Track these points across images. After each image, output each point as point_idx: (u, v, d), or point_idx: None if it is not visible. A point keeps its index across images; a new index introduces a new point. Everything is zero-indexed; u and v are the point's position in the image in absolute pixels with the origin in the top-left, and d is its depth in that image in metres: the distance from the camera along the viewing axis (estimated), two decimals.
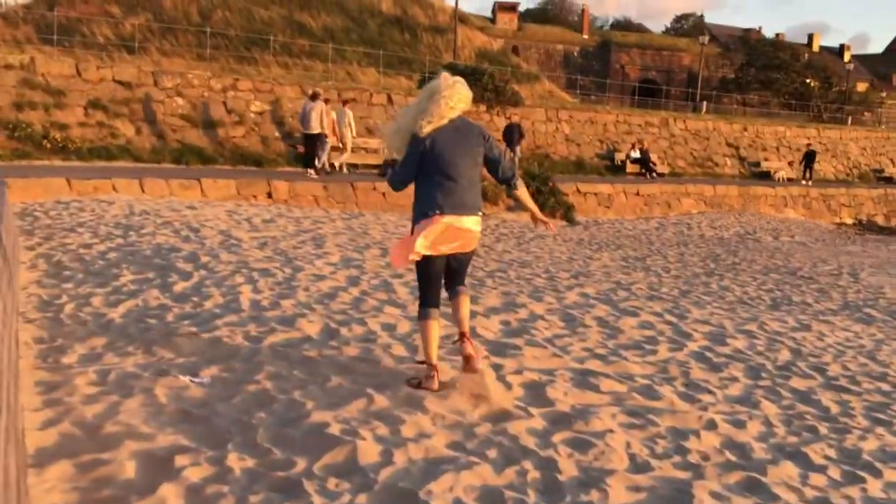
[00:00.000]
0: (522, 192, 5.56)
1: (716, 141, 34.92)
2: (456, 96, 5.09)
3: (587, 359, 6.59)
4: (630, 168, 29.81)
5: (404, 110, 5.37)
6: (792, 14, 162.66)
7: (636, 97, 48.27)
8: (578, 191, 22.71)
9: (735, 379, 6.53)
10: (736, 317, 9.22)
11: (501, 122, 28.04)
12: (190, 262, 9.07)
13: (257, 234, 12.23)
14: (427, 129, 5.04)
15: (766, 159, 36.15)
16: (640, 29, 77.42)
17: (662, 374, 6.44)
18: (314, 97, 20.50)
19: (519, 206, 20.65)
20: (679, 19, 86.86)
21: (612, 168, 29.90)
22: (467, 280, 5.79)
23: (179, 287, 7.85)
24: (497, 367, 5.97)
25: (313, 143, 20.22)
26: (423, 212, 5.10)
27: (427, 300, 5.31)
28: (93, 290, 7.64)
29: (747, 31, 72.06)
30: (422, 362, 5.45)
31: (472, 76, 27.40)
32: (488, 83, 27.24)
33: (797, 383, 6.60)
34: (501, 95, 27.52)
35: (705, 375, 6.53)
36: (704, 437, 5.08)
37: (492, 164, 5.30)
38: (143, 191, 15.30)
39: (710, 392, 6.07)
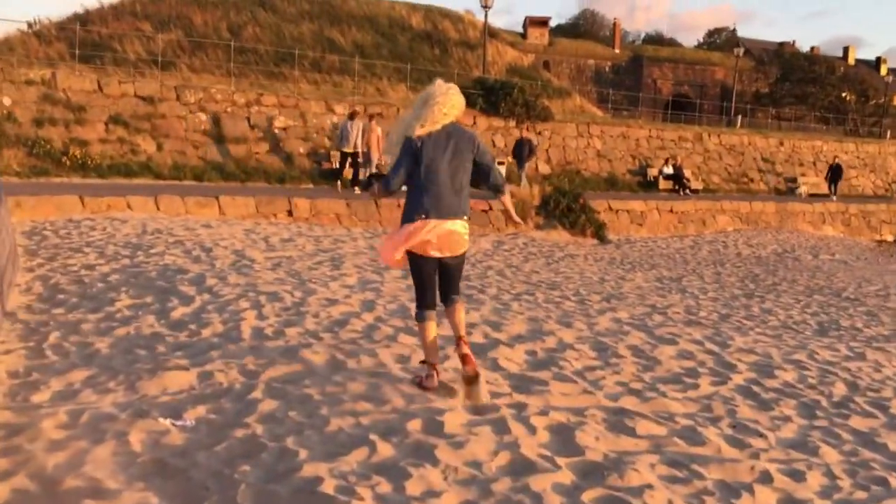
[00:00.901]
0: (507, 200, 5.66)
1: (751, 156, 34.00)
2: (449, 103, 5.23)
3: (621, 395, 5.91)
4: (663, 184, 29.01)
5: (400, 119, 5.51)
6: (825, 28, 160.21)
7: (669, 112, 47.24)
8: (610, 208, 21.95)
9: (787, 418, 5.82)
10: (782, 344, 8.47)
11: (531, 138, 27.41)
12: (194, 286, 8.49)
13: (273, 253, 11.66)
14: (420, 131, 5.15)
15: (802, 174, 35.16)
16: (671, 43, 76.38)
17: (706, 412, 5.75)
18: (352, 116, 20.36)
19: (548, 224, 20.09)
20: (711, 34, 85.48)
21: (645, 184, 29.12)
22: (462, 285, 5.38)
23: (178, 313, 7.26)
24: (520, 407, 5.30)
25: (350, 161, 20.10)
26: (410, 216, 5.21)
27: (423, 302, 5.42)
28: (84, 315, 7.07)
29: (781, 44, 70.85)
30: (423, 362, 5.59)
31: (501, 90, 26.90)
32: (519, 98, 26.70)
33: (857, 423, 5.87)
34: (532, 110, 26.95)
35: (754, 414, 5.82)
36: (759, 492, 4.38)
37: (483, 169, 5.37)
38: (158, 209, 14.80)
39: (760, 435, 5.36)
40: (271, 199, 16.43)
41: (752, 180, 32.98)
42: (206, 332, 6.63)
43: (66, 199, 13.97)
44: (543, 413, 5.21)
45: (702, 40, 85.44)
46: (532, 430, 4.91)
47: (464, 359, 5.27)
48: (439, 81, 5.41)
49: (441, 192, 5.15)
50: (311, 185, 21.64)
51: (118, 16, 34.67)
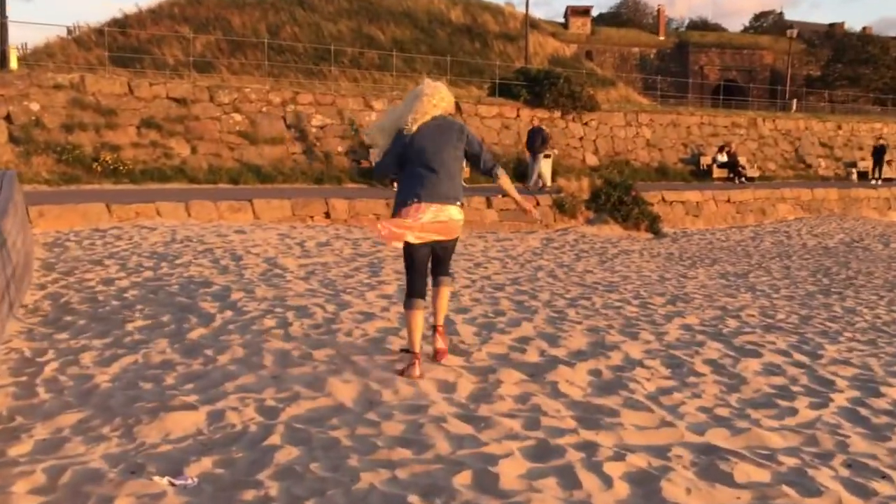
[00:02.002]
0: (505, 182, 5.79)
1: (808, 141, 32.54)
2: (438, 95, 5.48)
3: (708, 426, 4.98)
4: (717, 173, 27.76)
5: (390, 111, 5.81)
6: (873, 8, 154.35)
7: (720, 97, 45.49)
8: (664, 199, 20.81)
9: None
10: (881, 353, 7.44)
11: (578, 129, 26.40)
12: (218, 301, 7.69)
13: (307, 260, 10.85)
14: (413, 125, 5.40)
15: (862, 159, 33.57)
16: (717, 29, 74.37)
17: (812, 447, 4.79)
18: None
19: (599, 218, 19.10)
20: (758, 17, 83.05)
21: (698, 173, 27.89)
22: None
23: (195, 335, 6.46)
24: (589, 448, 4.40)
25: None
26: (403, 200, 5.42)
27: (413, 290, 5.62)
28: (89, 341, 6.29)
29: (832, 25, 68.61)
30: (405, 350, 5.84)
31: (545, 80, 25.90)
32: (563, 88, 25.68)
33: None
34: (577, 101, 25.91)
35: (869, 447, 4.85)
36: None
37: (473, 157, 5.61)
38: (189, 215, 14.06)
39: (883, 476, 4.39)
40: (307, 202, 15.63)
41: (809, 166, 31.53)
42: (223, 358, 5.81)
43: (92, 207, 13.29)
44: (619, 457, 4.29)
45: (748, 25, 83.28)
46: (607, 480, 4.01)
47: (437, 353, 5.86)
48: (427, 80, 5.69)
49: (432, 179, 5.36)
50: (350, 185, 20.87)
51: (156, 19, 34.45)
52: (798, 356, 6.99)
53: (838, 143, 33.53)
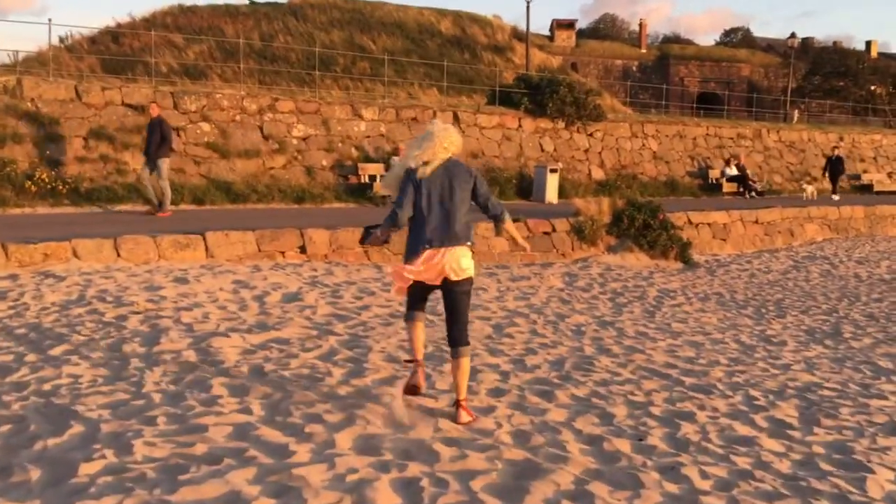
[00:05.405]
0: (509, 225, 5.18)
1: (812, 153, 28.61)
2: (448, 139, 4.90)
3: None
4: (727, 187, 23.79)
5: (401, 159, 5.11)
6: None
7: (702, 107, 41.37)
8: (690, 221, 16.78)
9: None
10: None
11: (583, 140, 22.37)
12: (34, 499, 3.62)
13: (259, 336, 6.79)
14: (425, 168, 4.81)
15: (864, 171, 29.82)
16: (690, 43, 71.07)
17: None
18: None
19: (622, 244, 15.14)
20: (728, 33, 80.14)
21: (707, 187, 23.92)
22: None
23: None
24: None
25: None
26: (415, 248, 4.84)
27: (412, 307, 5.14)
28: None
29: (805, 40, 65.03)
30: (409, 361, 5.37)
31: (547, 88, 21.85)
32: (566, 96, 21.64)
33: None
34: (582, 109, 21.87)
35: None
36: None
37: (480, 202, 5.00)
38: (118, 255, 9.88)
39: None
40: (277, 234, 11.38)
41: (815, 179, 27.59)
42: None
43: None
44: None
45: (719, 40, 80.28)
46: None
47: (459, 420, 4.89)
48: (437, 121, 5.16)
49: (440, 223, 4.78)
50: (336, 204, 16.80)
51: (149, 28, 31.01)
52: None
53: (842, 155, 29.61)
